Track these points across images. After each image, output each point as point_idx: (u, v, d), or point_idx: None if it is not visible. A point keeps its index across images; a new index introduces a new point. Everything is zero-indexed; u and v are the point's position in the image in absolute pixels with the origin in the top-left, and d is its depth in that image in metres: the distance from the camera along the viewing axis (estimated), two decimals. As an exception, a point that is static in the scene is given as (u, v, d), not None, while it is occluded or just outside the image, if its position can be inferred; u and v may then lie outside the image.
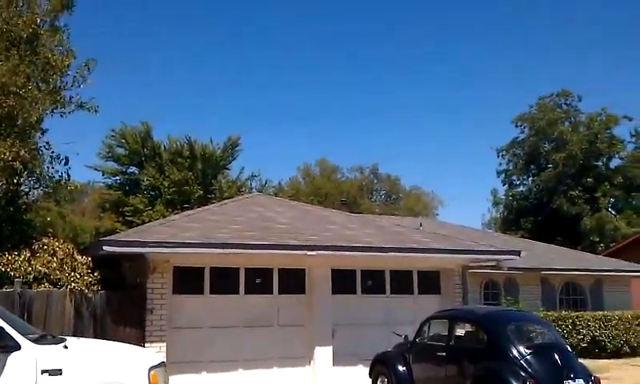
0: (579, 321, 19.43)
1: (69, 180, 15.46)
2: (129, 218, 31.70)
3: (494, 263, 14.92)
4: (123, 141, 37.70)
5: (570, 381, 9.59)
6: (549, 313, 19.34)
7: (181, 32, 75.54)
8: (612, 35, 72.83)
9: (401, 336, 12.33)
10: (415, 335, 11.85)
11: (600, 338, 19.68)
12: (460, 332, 11.03)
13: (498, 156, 50.48)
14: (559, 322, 19.03)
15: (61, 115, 14.76)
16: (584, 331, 19.44)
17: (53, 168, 14.57)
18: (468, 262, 14.60)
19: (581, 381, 9.69)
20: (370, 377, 12.46)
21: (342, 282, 13.88)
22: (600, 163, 47.10)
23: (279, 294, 13.36)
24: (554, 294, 22.24)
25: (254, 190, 42.42)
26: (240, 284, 13.05)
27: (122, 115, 77.04)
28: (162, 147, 38.24)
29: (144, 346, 11.27)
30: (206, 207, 16.41)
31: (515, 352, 9.83)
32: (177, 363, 12.02)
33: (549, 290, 22.08)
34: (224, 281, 12.95)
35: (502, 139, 51.84)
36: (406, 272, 14.56)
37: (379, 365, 12.30)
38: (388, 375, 11.93)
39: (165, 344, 11.92)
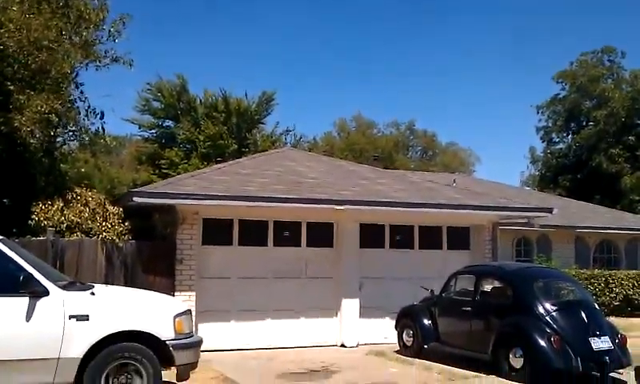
0: (612, 279, 19.26)
1: (104, 134, 15.77)
2: (165, 171, 32.11)
3: (525, 220, 14.75)
4: (159, 94, 38.06)
5: (595, 338, 9.56)
6: (581, 271, 19.22)
7: (217, -15, 75.14)
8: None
9: (428, 290, 12.39)
10: (442, 290, 11.89)
11: (633, 297, 19.54)
12: (487, 287, 11.05)
13: (538, 113, 49.49)
14: (591, 281, 18.92)
15: (96, 69, 14.96)
16: (617, 290, 19.28)
17: (89, 120, 14.83)
18: (499, 218, 14.47)
19: (606, 338, 9.65)
20: (396, 329, 12.59)
21: (371, 236, 13.90)
22: (644, 121, 45.94)
23: (307, 246, 13.44)
24: (587, 252, 21.98)
25: (288, 144, 42.45)
26: (268, 236, 13.16)
27: (159, 68, 77.70)
28: (198, 101, 38.54)
29: (174, 295, 11.53)
30: (237, 160, 16.52)
31: (541, 308, 9.83)
32: (206, 312, 12.33)
33: (583, 248, 21.82)
34: (252, 233, 13.08)
35: (542, 98, 50.78)
36: (435, 227, 14.50)
37: (405, 318, 12.41)
38: (414, 328, 12.05)
39: (194, 293, 12.16)
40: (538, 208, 14.56)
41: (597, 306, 10.51)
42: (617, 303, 19.28)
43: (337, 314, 13.50)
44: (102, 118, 15.11)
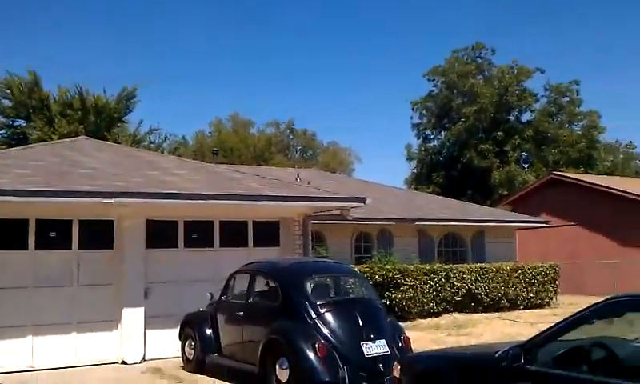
0: (453, 273, 18.35)
1: None
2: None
3: (338, 212, 13.37)
4: (8, 91, 35.34)
5: (368, 342, 8.20)
6: (421, 265, 18.17)
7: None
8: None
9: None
10: (221, 292, 10.32)
11: (476, 291, 18.73)
12: (259, 288, 9.54)
13: (413, 109, 49.51)
14: (431, 275, 17.90)
15: None
16: (458, 284, 18.41)
17: None
18: (309, 210, 13.05)
19: (382, 341, 8.30)
20: (180, 339, 10.95)
21: (161, 234, 12.13)
22: (511, 117, 46.62)
23: (80, 248, 11.48)
24: (432, 245, 21.09)
25: (153, 144, 40.34)
26: (29, 238, 11.12)
27: (7, 62, 72.67)
28: (52, 98, 36.01)
29: None
30: (2, 151, 14.33)
31: (310, 310, 8.41)
32: None
33: (427, 241, 20.91)
34: (9, 234, 11.02)
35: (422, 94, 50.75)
36: (239, 223, 12.89)
37: (187, 326, 10.79)
38: (194, 338, 10.42)
39: None
40: (350, 198, 13.20)
41: (380, 305, 9.16)
42: (459, 298, 18.44)
43: (117, 326, 11.62)
44: None
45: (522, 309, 19.34)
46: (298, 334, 8.19)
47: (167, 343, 11.66)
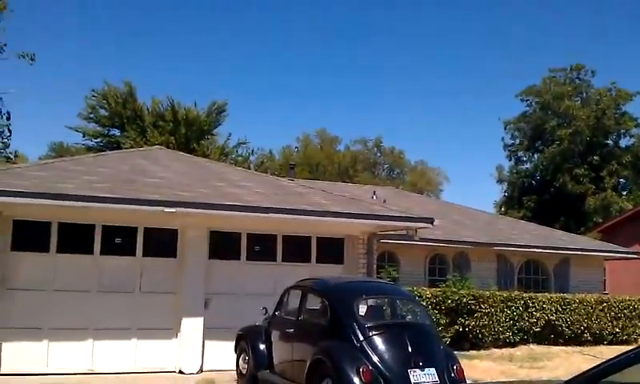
0: (532, 302, 17.41)
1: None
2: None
3: (404, 232, 12.92)
4: (104, 101, 36.78)
5: (417, 369, 7.75)
6: (498, 292, 17.36)
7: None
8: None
9: None
10: (275, 307, 10.12)
11: (557, 323, 17.69)
12: (310, 306, 9.27)
13: (505, 129, 48.04)
14: (508, 303, 17.05)
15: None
16: (537, 314, 17.43)
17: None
18: (374, 228, 12.70)
19: (432, 370, 7.82)
20: (235, 353, 10.82)
21: (224, 245, 12.16)
22: (609, 141, 44.46)
23: (144, 256, 11.62)
24: (511, 272, 20.16)
25: (241, 157, 40.98)
26: (95, 243, 11.34)
27: (107, 74, 75.90)
28: (145, 109, 37.21)
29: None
30: (77, 157, 14.76)
31: (358, 331, 8.05)
32: (13, 329, 10.65)
33: (506, 267, 19.99)
34: (76, 238, 11.30)
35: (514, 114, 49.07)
36: (302, 238, 12.71)
37: (243, 340, 10.61)
38: (248, 352, 10.27)
39: (-5, 307, 10.40)
40: (417, 218, 12.72)
41: (433, 332, 8.69)
42: (538, 329, 17.45)
43: (177, 335, 11.66)
44: (8, 118, 13.71)
45: (607, 344, 18.11)
46: (344, 356, 7.86)
47: (225, 355, 11.49)
